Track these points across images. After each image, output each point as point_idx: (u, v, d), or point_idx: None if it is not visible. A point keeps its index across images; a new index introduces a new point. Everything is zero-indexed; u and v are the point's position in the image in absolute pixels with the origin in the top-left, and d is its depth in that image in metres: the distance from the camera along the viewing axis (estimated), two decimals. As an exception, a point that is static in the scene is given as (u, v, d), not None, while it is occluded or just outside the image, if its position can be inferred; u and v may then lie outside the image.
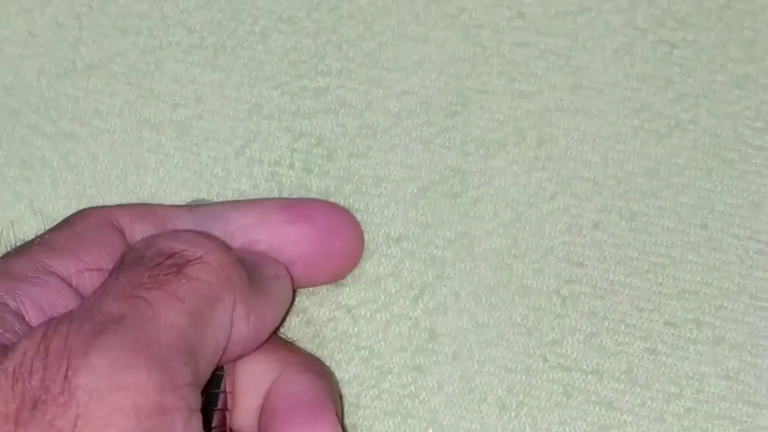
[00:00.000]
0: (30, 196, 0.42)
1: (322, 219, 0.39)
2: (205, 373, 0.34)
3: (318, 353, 0.41)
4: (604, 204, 0.42)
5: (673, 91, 0.44)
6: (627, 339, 0.41)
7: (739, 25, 0.44)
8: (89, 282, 0.35)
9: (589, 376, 0.41)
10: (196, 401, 0.33)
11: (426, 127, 0.43)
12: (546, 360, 0.41)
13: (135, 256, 0.34)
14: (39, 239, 0.36)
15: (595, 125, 0.43)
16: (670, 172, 0.43)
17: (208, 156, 0.43)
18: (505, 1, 0.45)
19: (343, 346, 0.41)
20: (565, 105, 0.44)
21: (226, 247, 0.35)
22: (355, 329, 0.41)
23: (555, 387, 0.40)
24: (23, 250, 0.36)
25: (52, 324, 0.32)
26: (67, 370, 0.31)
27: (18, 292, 0.34)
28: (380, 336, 0.41)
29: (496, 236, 0.42)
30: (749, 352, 0.41)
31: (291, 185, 0.42)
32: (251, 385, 0.38)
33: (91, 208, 0.38)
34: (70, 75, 0.44)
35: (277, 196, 0.42)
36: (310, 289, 0.41)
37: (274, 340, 0.39)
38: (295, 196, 0.42)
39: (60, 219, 0.41)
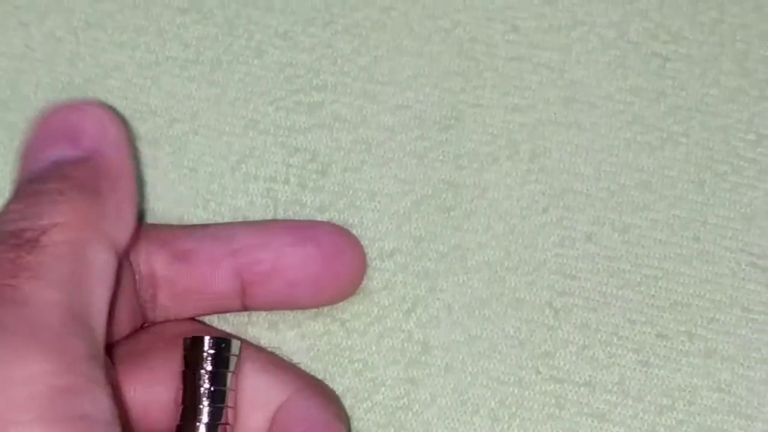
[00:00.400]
0: (28, 210, 0.42)
1: (327, 241, 0.39)
2: (102, 324, 0.33)
3: (312, 366, 0.41)
4: (597, 216, 0.43)
5: (666, 104, 0.44)
6: (619, 351, 0.41)
7: (732, 38, 0.45)
8: None
9: (582, 388, 0.41)
10: (97, 372, 0.31)
11: (420, 141, 0.43)
12: (538, 372, 0.41)
13: None
14: None
15: (588, 138, 0.43)
16: (663, 184, 0.43)
17: (205, 172, 0.43)
18: (499, 15, 0.45)
19: (336, 359, 0.41)
20: (559, 118, 0.44)
21: (75, 196, 0.34)
22: (349, 342, 0.41)
23: (547, 399, 0.41)
24: None
25: None
26: None
27: None
28: (373, 349, 0.41)
29: (489, 249, 0.42)
30: (741, 364, 0.41)
31: (286, 201, 0.42)
32: (256, 404, 0.38)
33: None
34: (67, 89, 0.44)
35: (272, 211, 0.42)
36: (307, 304, 0.41)
37: (278, 362, 0.39)
38: (290, 212, 0.42)
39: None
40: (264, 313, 0.41)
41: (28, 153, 0.36)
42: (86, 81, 0.44)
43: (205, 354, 0.37)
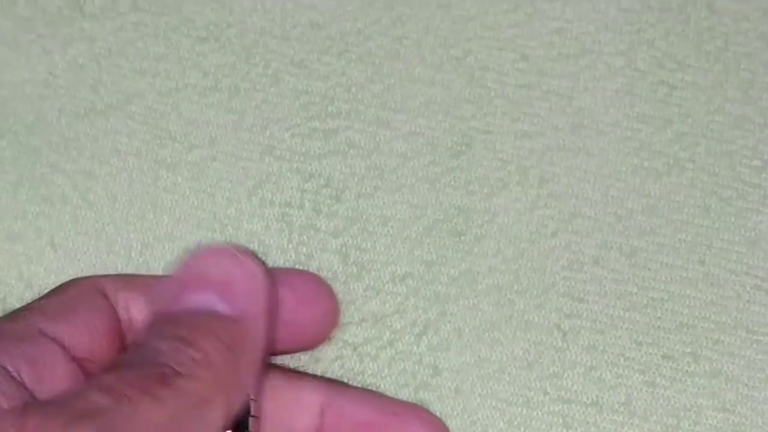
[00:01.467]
0: (51, 233, 0.43)
1: (302, 287, 0.40)
2: None
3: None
4: (605, 240, 0.43)
5: (672, 130, 0.44)
6: (626, 372, 0.41)
7: (737, 66, 0.45)
8: (80, 343, 0.36)
9: (589, 409, 0.41)
10: None
11: (431, 167, 0.44)
12: (546, 393, 0.41)
13: (129, 360, 0.33)
14: (30, 306, 0.36)
15: (595, 164, 0.44)
16: (669, 209, 0.43)
17: (222, 197, 0.43)
18: (509, 44, 0.45)
19: (349, 384, 0.41)
20: (567, 144, 0.44)
21: (219, 364, 0.34)
22: (361, 367, 0.41)
23: (555, 419, 0.41)
24: (16, 315, 0.36)
25: (28, 408, 0.31)
26: None
27: (11, 349, 0.34)
28: (385, 373, 0.41)
29: (498, 273, 0.43)
30: (746, 384, 0.41)
31: (301, 226, 0.43)
32: (295, 412, 0.38)
33: (80, 278, 0.38)
34: (89, 115, 0.44)
35: (287, 236, 0.43)
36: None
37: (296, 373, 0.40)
38: (304, 237, 0.43)
39: (79, 256, 0.43)
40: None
41: (169, 285, 0.36)
42: (108, 107, 0.45)
43: None
